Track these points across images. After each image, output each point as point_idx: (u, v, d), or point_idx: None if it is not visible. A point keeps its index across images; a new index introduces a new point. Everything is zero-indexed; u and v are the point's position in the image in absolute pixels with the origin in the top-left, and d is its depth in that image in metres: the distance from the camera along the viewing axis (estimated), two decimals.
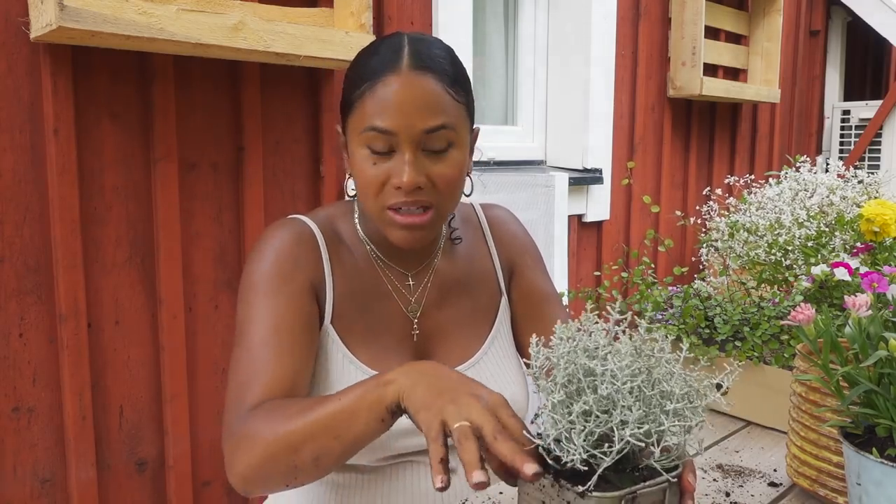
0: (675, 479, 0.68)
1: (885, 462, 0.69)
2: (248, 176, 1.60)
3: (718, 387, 0.71)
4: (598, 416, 0.66)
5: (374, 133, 0.90)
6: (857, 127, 4.02)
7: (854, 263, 1.25)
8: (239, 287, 0.98)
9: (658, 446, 0.66)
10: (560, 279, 2.39)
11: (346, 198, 1.07)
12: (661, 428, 0.66)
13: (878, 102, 3.85)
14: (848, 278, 1.23)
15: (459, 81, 0.95)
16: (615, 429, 0.65)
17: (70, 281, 1.37)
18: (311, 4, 1.67)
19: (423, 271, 1.06)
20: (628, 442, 0.65)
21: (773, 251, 1.53)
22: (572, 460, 0.65)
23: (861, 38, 4.27)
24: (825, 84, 4.20)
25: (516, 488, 0.72)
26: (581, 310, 2.39)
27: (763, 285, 1.53)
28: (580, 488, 0.65)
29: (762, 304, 1.31)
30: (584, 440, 0.65)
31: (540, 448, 0.68)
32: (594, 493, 0.64)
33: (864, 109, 3.97)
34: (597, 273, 2.65)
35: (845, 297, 0.80)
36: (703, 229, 1.83)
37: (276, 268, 0.95)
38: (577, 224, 2.58)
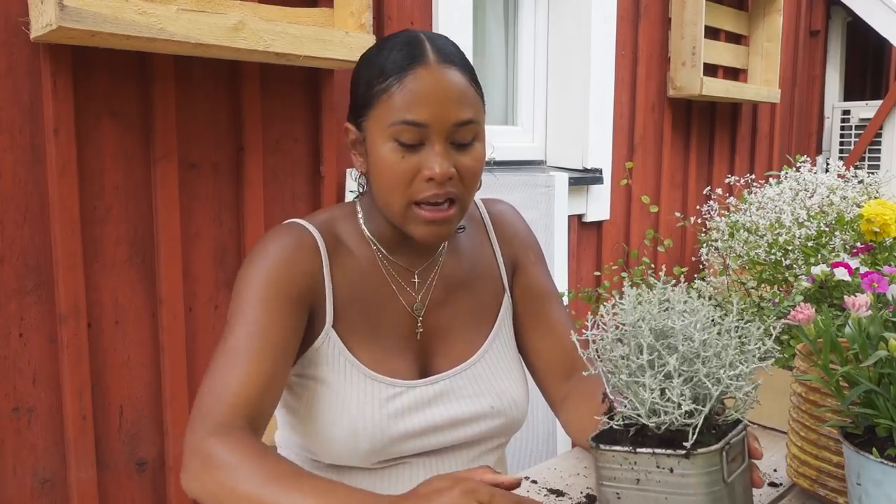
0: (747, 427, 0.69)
1: (885, 462, 0.69)
2: (248, 176, 1.60)
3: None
4: (682, 373, 0.66)
5: (405, 126, 0.91)
6: (857, 127, 4.01)
7: (854, 263, 1.25)
8: (234, 285, 0.98)
9: (740, 393, 0.66)
10: (560, 279, 2.38)
11: (348, 198, 1.07)
12: (731, 379, 0.66)
13: (878, 102, 3.85)
14: (848, 278, 1.22)
15: (475, 76, 0.97)
16: (704, 379, 0.65)
17: (70, 281, 1.37)
18: (311, 4, 1.67)
19: (428, 269, 1.06)
20: (725, 389, 0.64)
21: (773, 251, 1.53)
22: (671, 421, 0.64)
23: (861, 38, 4.26)
24: (825, 84, 4.20)
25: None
26: (581, 309, 2.38)
27: (763, 285, 1.53)
28: (681, 452, 0.63)
29: (762, 304, 1.31)
30: (681, 396, 0.65)
31: (615, 428, 0.68)
32: (700, 451, 0.63)
33: (864, 109, 3.97)
34: (597, 273, 2.65)
35: (845, 297, 0.80)
36: (703, 229, 1.83)
37: (270, 277, 0.95)
38: (577, 224, 2.58)
